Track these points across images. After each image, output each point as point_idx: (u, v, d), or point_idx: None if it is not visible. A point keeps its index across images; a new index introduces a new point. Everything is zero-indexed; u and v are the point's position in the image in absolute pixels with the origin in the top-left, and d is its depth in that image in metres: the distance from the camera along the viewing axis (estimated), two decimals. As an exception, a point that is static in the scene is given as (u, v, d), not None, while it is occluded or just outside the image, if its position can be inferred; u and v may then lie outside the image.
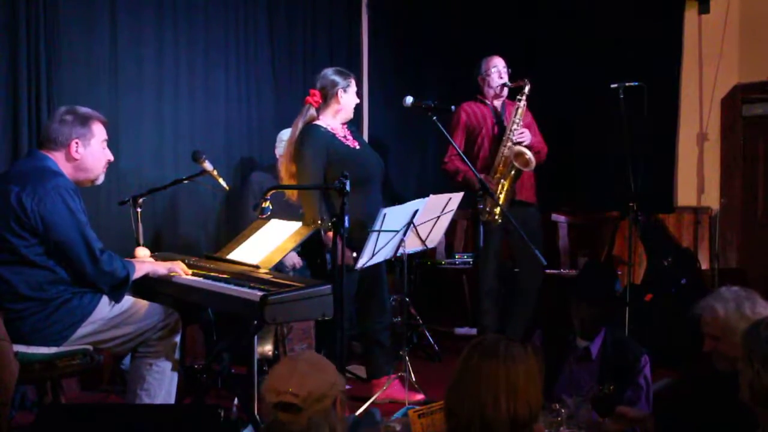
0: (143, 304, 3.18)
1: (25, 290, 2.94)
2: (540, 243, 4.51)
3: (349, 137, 4.04)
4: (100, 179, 3.23)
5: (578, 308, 3.05)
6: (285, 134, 4.75)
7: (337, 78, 4.00)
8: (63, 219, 2.94)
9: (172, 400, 3.19)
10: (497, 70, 4.72)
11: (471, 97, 4.85)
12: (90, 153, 3.11)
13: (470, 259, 5.60)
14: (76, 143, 3.07)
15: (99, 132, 3.14)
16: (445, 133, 3.97)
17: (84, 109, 3.15)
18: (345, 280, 3.81)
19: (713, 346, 2.57)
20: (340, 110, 4.01)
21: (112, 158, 3.23)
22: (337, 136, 3.97)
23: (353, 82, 4.06)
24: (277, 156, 4.75)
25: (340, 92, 3.98)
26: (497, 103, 4.78)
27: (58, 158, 3.07)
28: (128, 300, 3.15)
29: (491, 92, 4.75)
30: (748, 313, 2.49)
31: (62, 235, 2.94)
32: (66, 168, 3.08)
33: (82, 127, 3.08)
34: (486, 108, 4.77)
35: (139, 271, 3.16)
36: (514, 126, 4.58)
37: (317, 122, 3.97)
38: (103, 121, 3.18)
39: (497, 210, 4.40)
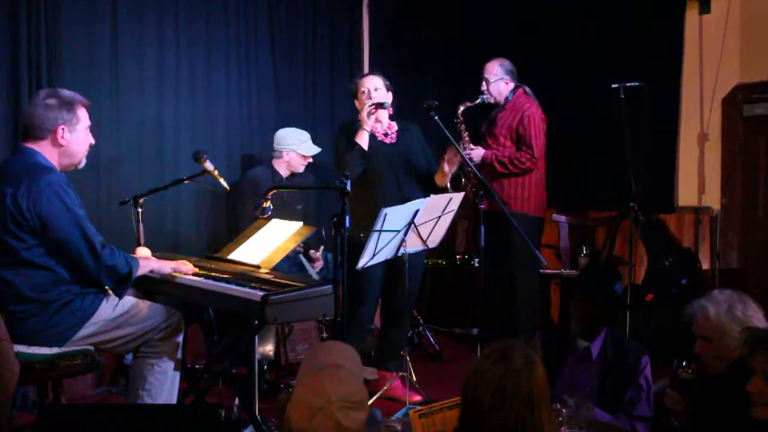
0: (145, 304, 3.18)
1: (27, 291, 2.93)
2: (537, 245, 4.53)
3: (390, 133, 4.14)
4: (83, 163, 3.18)
5: (577, 308, 3.05)
6: (303, 134, 4.80)
7: (352, 87, 4.18)
8: (60, 216, 2.91)
9: (173, 401, 3.19)
10: (483, 81, 4.74)
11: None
12: (75, 138, 3.06)
13: (471, 260, 5.59)
14: (63, 129, 3.01)
15: (84, 117, 3.09)
16: (447, 132, 3.97)
17: (67, 93, 3.08)
18: (363, 279, 3.85)
19: (705, 347, 2.59)
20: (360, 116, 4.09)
21: (93, 142, 3.18)
22: (371, 133, 4.06)
23: (359, 84, 4.11)
24: (286, 157, 4.80)
25: (355, 102, 4.14)
26: (494, 112, 4.79)
27: (44, 147, 3.01)
28: (130, 300, 3.15)
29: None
30: (740, 315, 2.53)
31: (61, 232, 2.92)
32: (52, 155, 3.02)
33: (68, 113, 3.02)
34: (484, 118, 4.86)
35: (144, 267, 3.15)
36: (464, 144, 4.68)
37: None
38: (86, 104, 3.13)
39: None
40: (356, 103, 4.15)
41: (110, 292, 3.12)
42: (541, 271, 5.00)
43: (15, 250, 2.92)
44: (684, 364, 2.72)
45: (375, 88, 4.08)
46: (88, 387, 4.16)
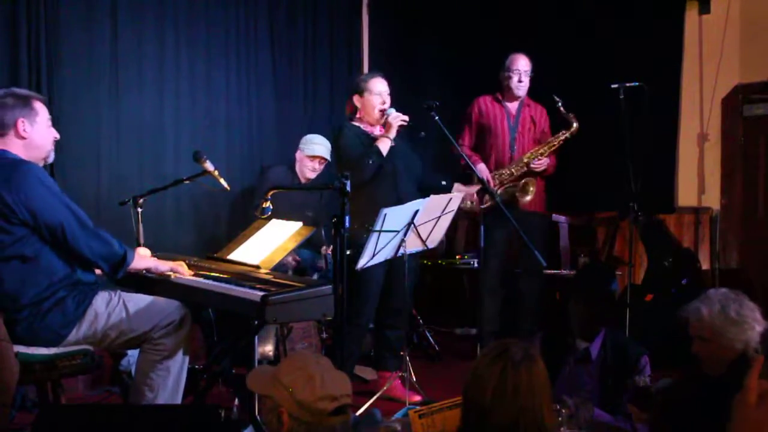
0: (148, 300, 3.15)
1: (18, 287, 2.91)
2: (543, 247, 4.53)
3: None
4: (51, 157, 3.17)
5: (575, 308, 3.05)
6: (312, 137, 4.80)
7: (356, 81, 4.11)
8: (46, 200, 2.92)
9: (178, 399, 3.15)
10: (518, 73, 4.72)
11: (471, 96, 4.85)
12: (37, 131, 3.06)
13: (471, 260, 5.60)
14: (22, 122, 3.02)
15: (42, 110, 3.10)
16: (447, 133, 3.97)
17: (22, 91, 3.13)
18: (363, 281, 3.84)
19: (701, 347, 2.60)
20: (362, 114, 4.04)
21: (58, 136, 3.18)
22: (368, 133, 4.03)
23: (371, 84, 4.05)
24: (297, 158, 4.83)
25: (356, 97, 4.06)
26: (513, 105, 4.79)
27: (8, 143, 3.02)
28: (132, 297, 3.13)
29: (509, 92, 4.78)
30: (733, 314, 2.53)
31: (50, 216, 2.91)
32: (19, 149, 3.03)
33: (25, 107, 3.05)
34: (500, 107, 4.80)
35: (141, 260, 3.14)
36: (542, 150, 4.64)
37: (349, 122, 4.07)
38: (43, 99, 3.14)
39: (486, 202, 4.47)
40: (357, 99, 4.07)
41: (105, 294, 3.10)
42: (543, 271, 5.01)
43: (3, 245, 2.91)
44: (638, 376, 2.74)
45: (388, 92, 4.06)
46: (88, 387, 4.16)
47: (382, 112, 4.01)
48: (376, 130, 4.06)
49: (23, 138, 3.04)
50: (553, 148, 4.69)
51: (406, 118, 3.97)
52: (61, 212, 2.94)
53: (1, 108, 3.03)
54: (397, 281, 4.01)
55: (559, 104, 4.62)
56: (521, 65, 4.74)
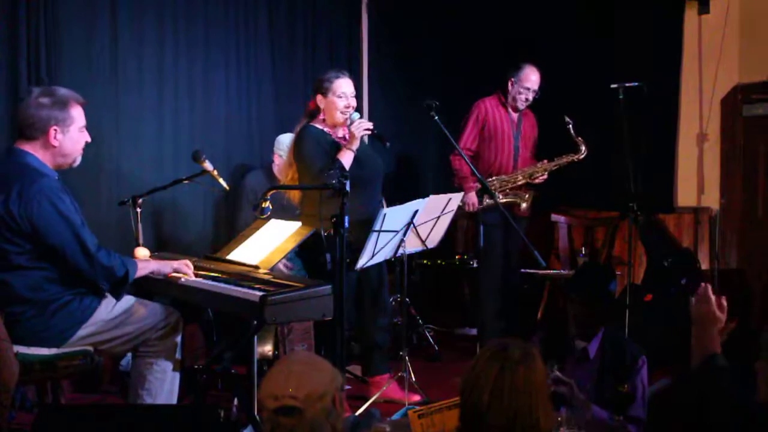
0: (143, 304, 3.17)
1: (24, 292, 2.92)
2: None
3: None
4: (77, 162, 3.11)
5: (573, 307, 3.05)
6: (284, 138, 4.73)
7: (320, 80, 3.92)
8: (53, 223, 2.89)
9: (174, 400, 3.19)
10: (531, 91, 4.74)
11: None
12: (69, 139, 2.99)
13: (471, 260, 5.60)
14: (55, 130, 2.94)
15: (78, 117, 3.01)
16: (447, 133, 3.97)
17: (62, 91, 3.01)
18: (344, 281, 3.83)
19: None
20: (324, 116, 3.91)
21: (89, 140, 3.10)
22: (332, 135, 3.92)
23: (335, 85, 3.86)
24: (276, 161, 4.75)
25: (319, 97, 3.90)
26: (513, 112, 4.83)
27: (36, 148, 2.96)
28: (128, 300, 3.14)
29: (512, 102, 4.80)
30: None
31: (54, 237, 2.89)
32: (45, 156, 2.97)
33: (61, 112, 2.95)
34: (505, 112, 4.82)
35: (143, 269, 3.13)
36: (546, 167, 4.73)
37: (311, 124, 3.94)
38: (82, 102, 3.05)
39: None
40: (321, 99, 3.88)
41: (109, 298, 3.12)
42: (541, 271, 5.01)
43: (12, 254, 2.91)
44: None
45: (353, 93, 3.89)
46: (86, 387, 4.16)
47: (345, 115, 3.84)
48: (339, 132, 3.93)
49: (53, 147, 2.97)
50: (556, 168, 4.72)
51: (370, 125, 3.79)
52: (63, 235, 2.90)
53: (37, 109, 2.93)
54: (367, 285, 4.00)
55: (569, 126, 4.67)
56: (534, 84, 4.75)
